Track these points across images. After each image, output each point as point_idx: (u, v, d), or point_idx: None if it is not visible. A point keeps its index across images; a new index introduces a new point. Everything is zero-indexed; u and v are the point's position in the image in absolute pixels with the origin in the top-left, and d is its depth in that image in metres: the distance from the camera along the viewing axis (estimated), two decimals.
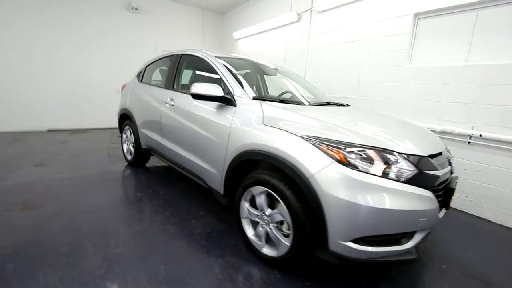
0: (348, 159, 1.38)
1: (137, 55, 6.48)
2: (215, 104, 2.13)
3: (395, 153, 1.41)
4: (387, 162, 1.39)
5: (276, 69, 2.98)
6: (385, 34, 3.43)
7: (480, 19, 2.67)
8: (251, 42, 6.41)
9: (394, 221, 1.37)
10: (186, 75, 2.81)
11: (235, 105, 1.98)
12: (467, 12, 2.76)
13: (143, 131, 3.16)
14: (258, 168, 1.93)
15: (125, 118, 3.65)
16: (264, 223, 1.75)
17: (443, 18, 2.94)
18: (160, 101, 2.77)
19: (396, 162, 1.40)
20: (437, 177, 1.50)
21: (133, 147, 3.52)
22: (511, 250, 2.26)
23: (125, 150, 3.76)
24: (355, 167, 1.36)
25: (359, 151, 1.40)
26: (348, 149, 1.40)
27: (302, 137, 1.51)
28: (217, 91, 1.99)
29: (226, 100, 2.02)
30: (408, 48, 3.22)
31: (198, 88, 2.01)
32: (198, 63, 2.64)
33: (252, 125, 1.80)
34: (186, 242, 1.98)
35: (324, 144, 1.44)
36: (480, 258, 2.07)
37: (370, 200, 1.31)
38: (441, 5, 2.91)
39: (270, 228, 1.71)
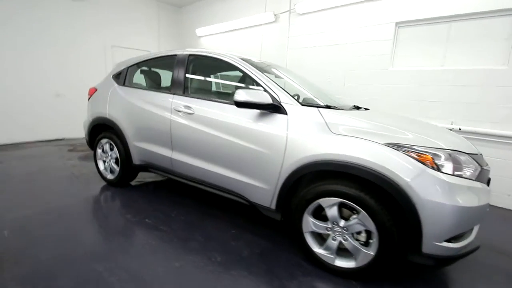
0: (437, 163, 1.44)
1: (82, 52, 5.46)
2: (253, 112, 1.94)
3: (466, 154, 1.54)
4: (462, 163, 1.50)
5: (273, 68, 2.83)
6: (369, 39, 3.72)
7: (454, 30, 3.15)
8: (219, 40, 6.12)
9: (477, 216, 1.50)
10: (205, 80, 2.50)
11: (285, 113, 1.84)
12: (442, 24, 3.22)
13: (138, 145, 2.67)
14: (304, 179, 1.82)
15: (101, 129, 3.02)
16: (336, 235, 1.68)
17: (421, 28, 3.37)
18: (167, 109, 2.37)
19: (468, 162, 1.53)
20: (489, 171, 1.70)
21: (116, 163, 2.94)
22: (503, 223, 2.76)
23: (101, 168, 3.11)
24: (443, 171, 1.43)
25: (442, 155, 1.47)
26: (435, 154, 1.46)
27: (387, 145, 1.50)
28: (265, 98, 1.82)
29: (275, 108, 1.86)
30: (390, 53, 3.58)
31: (243, 95, 1.80)
32: (217, 66, 2.37)
33: (317, 134, 1.70)
34: (245, 268, 1.75)
35: (414, 151, 1.46)
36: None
37: (463, 200, 1.40)
38: (419, 16, 3.32)
39: (345, 239, 1.65)
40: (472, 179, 1.51)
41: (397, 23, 3.50)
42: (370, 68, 3.76)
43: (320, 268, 1.77)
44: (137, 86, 2.82)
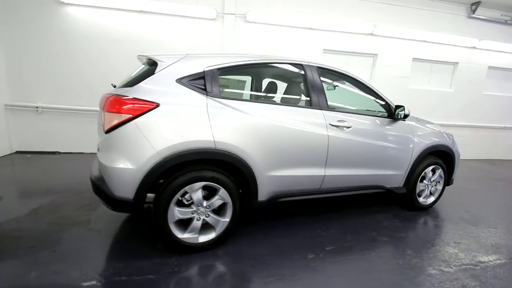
0: (452, 135, 3.19)
1: None
2: (384, 120, 2.65)
3: None
4: None
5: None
6: (307, 57, 4.96)
7: (350, 60, 5.26)
8: (111, 17, 4.33)
9: None
10: (343, 93, 2.58)
11: (404, 120, 2.75)
12: (344, 55, 5.22)
13: (274, 174, 2.12)
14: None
15: (175, 170, 1.84)
16: (429, 187, 2.99)
17: (335, 55, 5.18)
18: (322, 125, 2.26)
19: None
20: None
21: (216, 213, 2.02)
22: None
23: (181, 236, 1.90)
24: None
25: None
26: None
27: (444, 133, 3.02)
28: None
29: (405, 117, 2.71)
30: None
31: (407, 110, 2.53)
32: (335, 79, 2.69)
33: (421, 132, 2.83)
34: (418, 228, 2.58)
35: (447, 133, 3.09)
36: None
37: None
38: (332, 48, 5.10)
39: (433, 187, 3.02)
40: None
41: (324, 50, 5.05)
42: None
43: (420, 210, 3.01)
44: (258, 100, 2.13)
